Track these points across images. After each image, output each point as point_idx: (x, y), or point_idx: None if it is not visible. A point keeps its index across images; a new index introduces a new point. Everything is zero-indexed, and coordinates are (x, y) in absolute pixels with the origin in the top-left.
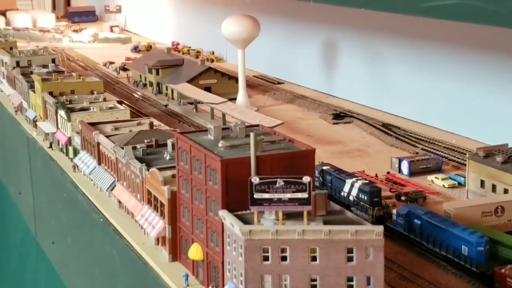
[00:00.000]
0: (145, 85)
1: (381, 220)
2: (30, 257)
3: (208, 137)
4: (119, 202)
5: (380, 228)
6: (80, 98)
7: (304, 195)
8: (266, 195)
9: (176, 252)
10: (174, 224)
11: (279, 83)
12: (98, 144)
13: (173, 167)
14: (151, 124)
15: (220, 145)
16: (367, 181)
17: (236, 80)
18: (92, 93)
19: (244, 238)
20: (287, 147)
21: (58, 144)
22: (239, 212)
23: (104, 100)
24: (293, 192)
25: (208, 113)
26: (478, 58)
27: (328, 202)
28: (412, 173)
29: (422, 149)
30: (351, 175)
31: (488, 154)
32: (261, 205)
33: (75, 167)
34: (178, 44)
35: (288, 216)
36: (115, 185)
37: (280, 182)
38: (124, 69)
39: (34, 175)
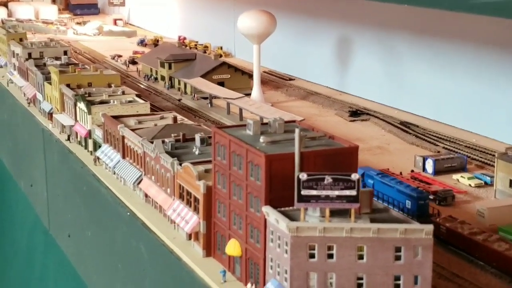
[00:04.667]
0: (156, 79)
1: None
2: (41, 249)
3: (246, 132)
4: (146, 196)
5: (429, 227)
6: (98, 91)
7: (353, 192)
8: (314, 192)
9: (211, 247)
10: (209, 219)
11: (290, 79)
12: (123, 137)
13: (205, 162)
14: (175, 118)
15: (261, 140)
16: None
17: (249, 75)
18: (109, 86)
19: (290, 234)
20: (328, 143)
21: (77, 137)
22: (282, 209)
23: (123, 93)
24: (341, 189)
25: (223, 108)
26: (498, 57)
27: (372, 199)
28: (436, 172)
29: (443, 147)
30: None
31: None
32: (308, 202)
33: (96, 160)
34: (185, 38)
35: (332, 213)
36: (141, 179)
37: (328, 179)
38: (133, 62)
39: (49, 168)
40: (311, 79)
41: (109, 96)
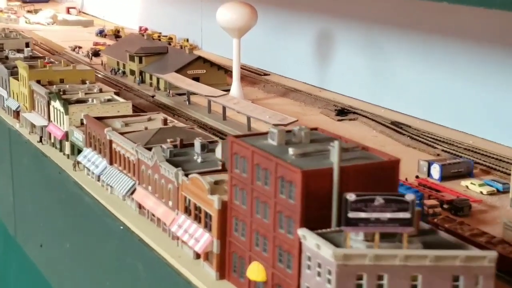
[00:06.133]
0: (124, 73)
1: None
2: (5, 257)
3: (269, 142)
4: (139, 207)
5: (493, 254)
6: (72, 88)
7: (406, 215)
8: (363, 214)
9: (225, 269)
10: (223, 238)
11: (265, 74)
12: (111, 142)
13: (211, 172)
14: (165, 120)
15: (291, 152)
16: None
17: (225, 70)
18: (83, 82)
19: (336, 263)
20: (363, 156)
21: (50, 139)
22: (319, 231)
23: (101, 91)
24: (394, 211)
25: (201, 105)
26: (494, 54)
27: (419, 220)
28: (442, 178)
29: (442, 150)
30: None
31: None
32: (356, 226)
33: (75, 165)
34: (146, 29)
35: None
36: (134, 189)
37: (379, 200)
38: (95, 54)
39: (16, 171)
40: (287, 75)
41: (85, 94)
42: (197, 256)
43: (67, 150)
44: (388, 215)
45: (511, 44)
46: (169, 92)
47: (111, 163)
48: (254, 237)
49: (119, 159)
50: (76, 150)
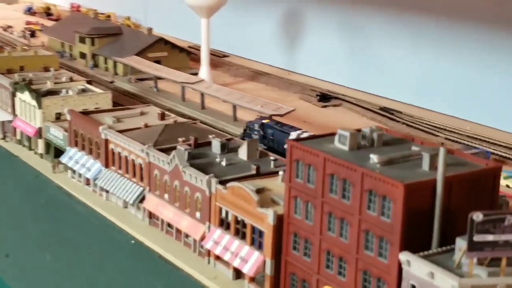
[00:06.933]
0: (71, 55)
1: None
2: None
3: (337, 145)
4: (150, 217)
5: None
6: (37, 76)
7: None
8: (490, 237)
9: None
10: (278, 257)
11: (224, 56)
12: (107, 141)
13: (244, 178)
14: (163, 115)
15: (375, 160)
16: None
17: (188, 52)
18: (46, 70)
19: None
20: (454, 161)
21: (15, 135)
22: (421, 254)
23: (71, 80)
24: None
25: (170, 92)
26: (486, 33)
27: None
28: None
29: (446, 139)
30: (294, 128)
31: None
32: (482, 250)
33: (55, 167)
34: (79, 6)
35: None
36: (143, 196)
37: (510, 220)
38: (32, 35)
39: None
40: (250, 57)
41: (54, 84)
42: (237, 276)
43: (41, 149)
44: None
45: (506, 23)
46: (130, 77)
47: (107, 165)
48: (324, 258)
49: (119, 161)
50: (52, 149)
